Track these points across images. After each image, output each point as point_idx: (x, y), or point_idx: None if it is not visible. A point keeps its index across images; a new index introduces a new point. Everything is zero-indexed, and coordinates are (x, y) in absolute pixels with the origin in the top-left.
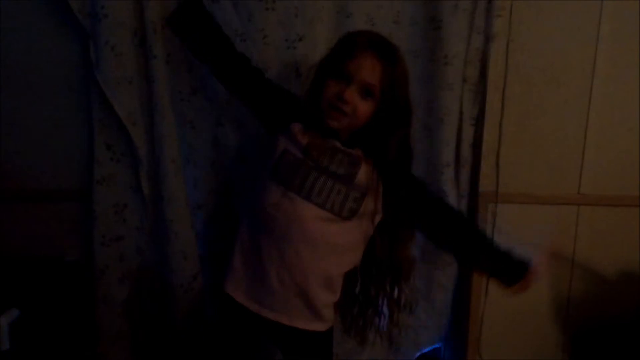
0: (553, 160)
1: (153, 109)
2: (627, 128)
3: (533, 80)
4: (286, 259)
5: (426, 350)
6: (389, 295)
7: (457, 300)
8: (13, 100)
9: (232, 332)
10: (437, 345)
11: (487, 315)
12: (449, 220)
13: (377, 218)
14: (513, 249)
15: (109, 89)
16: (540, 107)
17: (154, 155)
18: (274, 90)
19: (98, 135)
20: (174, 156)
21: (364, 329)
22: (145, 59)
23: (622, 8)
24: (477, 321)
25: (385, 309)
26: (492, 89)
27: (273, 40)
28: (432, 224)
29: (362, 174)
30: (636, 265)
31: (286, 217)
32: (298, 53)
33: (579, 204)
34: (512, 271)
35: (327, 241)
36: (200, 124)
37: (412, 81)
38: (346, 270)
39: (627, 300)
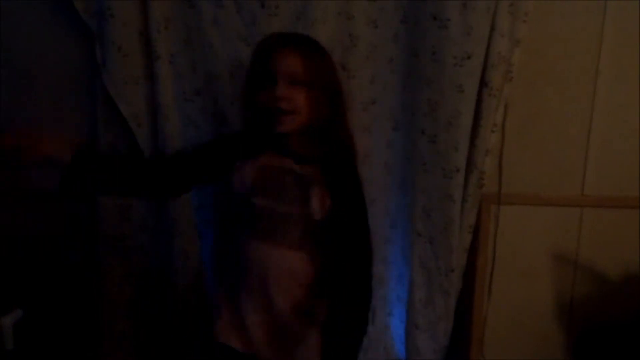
0: (556, 162)
1: (157, 110)
2: (630, 129)
3: (536, 81)
4: (260, 305)
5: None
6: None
7: (460, 301)
8: (18, 100)
9: None
10: None
11: (490, 315)
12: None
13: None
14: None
15: (115, 89)
16: (543, 108)
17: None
18: (208, 152)
19: (103, 135)
20: None
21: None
22: (150, 60)
23: (626, 9)
24: (480, 322)
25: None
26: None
27: None
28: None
29: (316, 196)
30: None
31: (252, 263)
32: None
33: (582, 206)
34: None
35: (296, 277)
36: (204, 124)
37: (412, 82)
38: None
39: (631, 301)
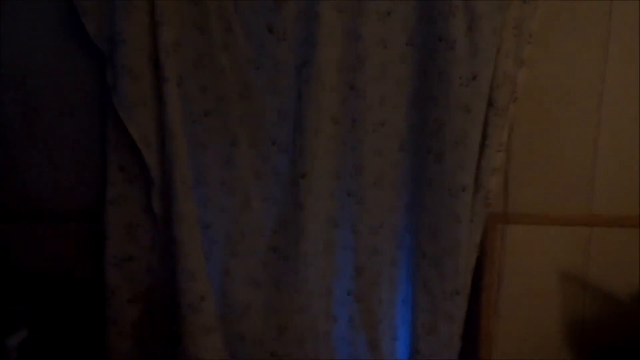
0: (563, 180)
1: (164, 131)
2: (638, 146)
3: (542, 98)
4: None
5: None
6: None
7: (467, 322)
8: (28, 121)
9: None
10: None
11: (497, 336)
12: None
13: None
14: None
15: (125, 112)
16: (550, 126)
17: (164, 176)
18: None
19: (111, 156)
20: (184, 177)
21: None
22: (159, 82)
23: (631, 26)
24: (488, 343)
25: None
26: None
27: (284, 67)
28: None
29: None
30: None
31: None
32: (301, 79)
33: (590, 225)
34: None
35: None
36: (212, 145)
37: (419, 103)
38: None
39: (638, 322)
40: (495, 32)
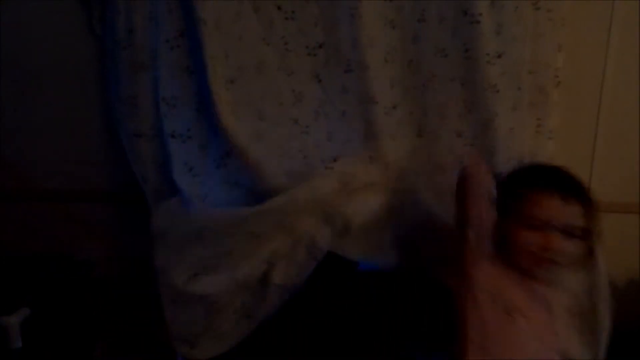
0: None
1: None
2: (637, 134)
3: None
4: None
5: None
6: None
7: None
8: (31, 101)
9: None
10: None
11: None
12: None
13: None
14: None
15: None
16: None
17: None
18: None
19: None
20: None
21: None
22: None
23: (633, 11)
24: None
25: None
26: None
27: (294, 47)
28: None
29: None
30: None
31: None
32: (319, 60)
33: None
34: None
35: None
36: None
37: (445, 82)
38: None
39: (635, 307)
40: (517, 10)
